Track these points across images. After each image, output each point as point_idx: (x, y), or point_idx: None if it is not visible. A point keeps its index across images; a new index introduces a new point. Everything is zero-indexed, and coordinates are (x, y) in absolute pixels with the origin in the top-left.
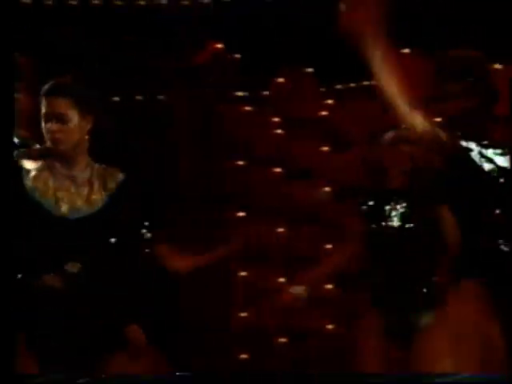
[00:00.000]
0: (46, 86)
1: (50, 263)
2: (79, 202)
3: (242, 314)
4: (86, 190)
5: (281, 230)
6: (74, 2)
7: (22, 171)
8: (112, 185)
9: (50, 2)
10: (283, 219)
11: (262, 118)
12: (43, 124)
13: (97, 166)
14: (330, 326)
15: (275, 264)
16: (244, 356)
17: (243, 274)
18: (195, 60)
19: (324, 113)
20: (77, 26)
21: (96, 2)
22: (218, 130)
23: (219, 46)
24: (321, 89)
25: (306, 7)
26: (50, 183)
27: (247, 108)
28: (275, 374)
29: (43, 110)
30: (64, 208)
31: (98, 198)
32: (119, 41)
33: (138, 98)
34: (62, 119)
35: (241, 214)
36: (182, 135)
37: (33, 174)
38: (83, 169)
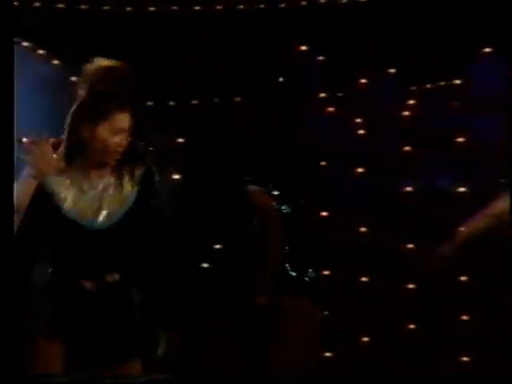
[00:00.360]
0: (109, 101)
1: (90, 272)
2: (114, 209)
3: None
4: (114, 200)
5: (364, 229)
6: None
7: (52, 183)
8: (134, 192)
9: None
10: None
11: (345, 119)
12: (106, 137)
13: (124, 167)
14: None
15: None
16: None
17: None
18: (280, 61)
19: (406, 113)
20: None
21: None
22: (301, 131)
23: (304, 47)
24: (403, 89)
25: (387, 8)
26: (81, 193)
27: (330, 109)
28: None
29: (111, 125)
30: (101, 216)
31: (125, 206)
32: (206, 43)
33: (216, 100)
34: (125, 133)
35: (324, 213)
36: (263, 136)
37: (63, 185)
38: (111, 174)
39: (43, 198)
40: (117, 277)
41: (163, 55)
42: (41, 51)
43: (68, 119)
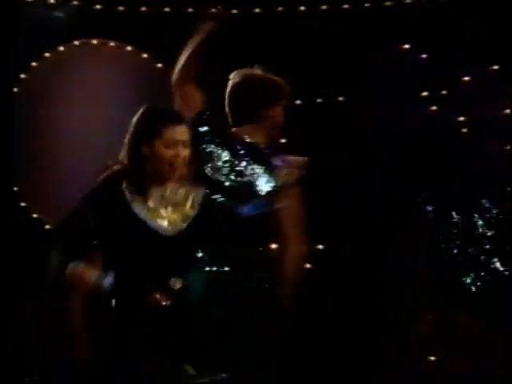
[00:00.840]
0: (169, 115)
1: (155, 280)
2: (179, 219)
3: None
4: (181, 207)
5: None
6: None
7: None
8: (199, 198)
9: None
10: None
11: (447, 118)
12: (161, 151)
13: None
14: None
15: None
16: None
17: None
18: (379, 61)
19: (508, 111)
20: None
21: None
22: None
23: (405, 46)
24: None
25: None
26: (151, 203)
27: (433, 108)
28: None
29: (168, 137)
30: (166, 225)
31: (192, 213)
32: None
33: (319, 100)
34: (182, 145)
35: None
36: (366, 136)
37: (136, 197)
38: (176, 185)
39: (112, 196)
40: (180, 284)
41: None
42: (145, 55)
43: (127, 137)
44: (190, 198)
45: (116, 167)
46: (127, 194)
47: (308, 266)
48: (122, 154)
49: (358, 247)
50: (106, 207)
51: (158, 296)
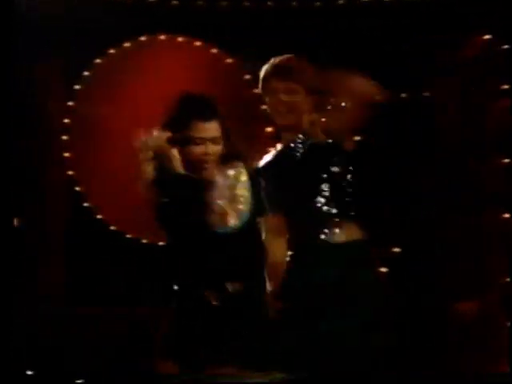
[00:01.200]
0: (199, 109)
1: (212, 279)
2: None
3: None
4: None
5: None
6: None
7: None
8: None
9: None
10: None
11: None
12: (191, 145)
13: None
14: None
15: None
16: None
17: None
18: (463, 54)
19: None
20: None
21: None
22: (489, 126)
23: (487, 37)
24: None
25: None
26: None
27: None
28: None
29: (196, 134)
30: (229, 220)
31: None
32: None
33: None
34: (210, 142)
35: (506, 215)
36: (447, 132)
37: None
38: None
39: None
40: (239, 287)
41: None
42: (214, 50)
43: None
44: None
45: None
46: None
47: (384, 269)
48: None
49: (434, 249)
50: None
51: (209, 294)
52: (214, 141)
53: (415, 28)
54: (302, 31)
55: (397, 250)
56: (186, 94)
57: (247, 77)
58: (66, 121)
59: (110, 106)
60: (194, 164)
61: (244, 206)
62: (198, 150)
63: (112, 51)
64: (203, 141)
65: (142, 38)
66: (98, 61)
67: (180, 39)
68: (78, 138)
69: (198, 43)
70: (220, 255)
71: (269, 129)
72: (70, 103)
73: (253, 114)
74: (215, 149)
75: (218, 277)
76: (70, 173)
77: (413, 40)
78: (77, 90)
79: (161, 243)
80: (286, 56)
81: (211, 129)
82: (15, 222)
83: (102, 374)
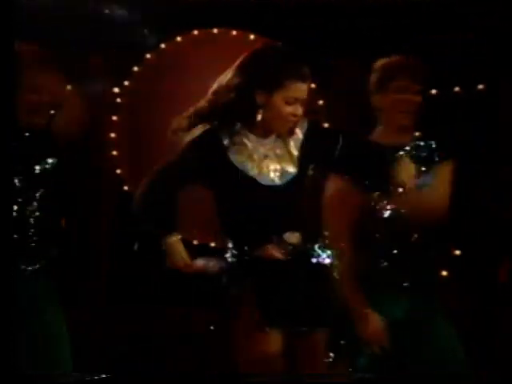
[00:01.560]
0: (299, 68)
1: (271, 233)
2: (284, 165)
3: None
4: (283, 152)
5: None
6: None
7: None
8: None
9: None
10: None
11: None
12: (281, 104)
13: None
14: None
15: None
16: None
17: None
18: None
19: None
20: None
21: None
22: None
23: None
24: None
25: None
26: (255, 155)
27: None
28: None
29: (291, 93)
30: (273, 175)
31: (296, 156)
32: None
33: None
34: (301, 103)
35: None
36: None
37: (235, 149)
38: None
39: (210, 145)
40: (297, 236)
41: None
42: (252, 36)
43: (231, 78)
44: (292, 149)
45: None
46: (226, 145)
47: (445, 272)
48: (221, 97)
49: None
50: (205, 160)
51: (271, 248)
52: (303, 102)
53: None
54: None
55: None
56: (274, 46)
57: None
58: (114, 118)
59: (159, 102)
60: (277, 125)
61: (289, 165)
62: (288, 109)
63: (163, 46)
64: (296, 101)
65: (195, 32)
66: (148, 56)
67: (234, 33)
68: (126, 136)
69: (252, 37)
70: (268, 207)
71: None
72: (118, 100)
73: None
74: (301, 111)
75: (275, 230)
76: (118, 171)
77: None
78: (125, 85)
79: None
80: (407, 55)
81: (305, 90)
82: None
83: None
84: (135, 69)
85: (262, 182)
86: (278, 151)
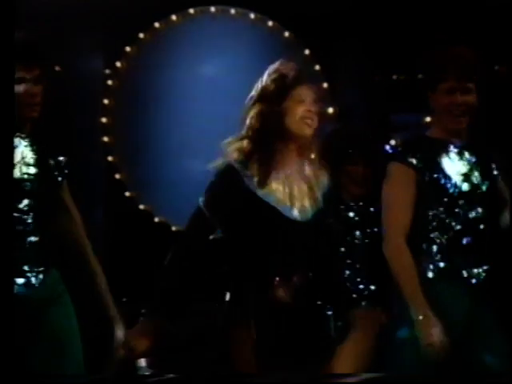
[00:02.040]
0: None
1: (281, 273)
2: (307, 202)
3: None
4: (306, 187)
5: None
6: None
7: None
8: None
9: None
10: None
11: None
12: (293, 106)
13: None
14: None
15: None
16: None
17: None
18: None
19: None
20: None
21: None
22: None
23: None
24: None
25: None
26: (286, 185)
27: None
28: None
29: (298, 96)
30: (297, 211)
31: (318, 196)
32: None
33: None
34: (315, 102)
35: None
36: None
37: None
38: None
39: (233, 183)
40: (305, 278)
41: None
42: (270, 23)
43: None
44: (313, 178)
45: (231, 158)
46: (249, 180)
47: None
48: (244, 131)
49: None
50: (229, 204)
51: (281, 291)
52: (314, 101)
53: None
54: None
55: None
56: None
57: (307, 52)
58: (106, 102)
59: (154, 85)
60: (296, 123)
61: (310, 204)
62: (301, 108)
63: (157, 25)
64: (305, 100)
65: (191, 11)
66: (141, 36)
67: (232, 11)
68: (118, 121)
69: (252, 16)
70: (288, 246)
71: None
72: (110, 82)
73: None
74: (317, 108)
75: (286, 271)
76: (110, 159)
77: None
78: (117, 67)
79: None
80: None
81: (310, 90)
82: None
83: None
84: (127, 49)
85: (285, 215)
86: (304, 181)
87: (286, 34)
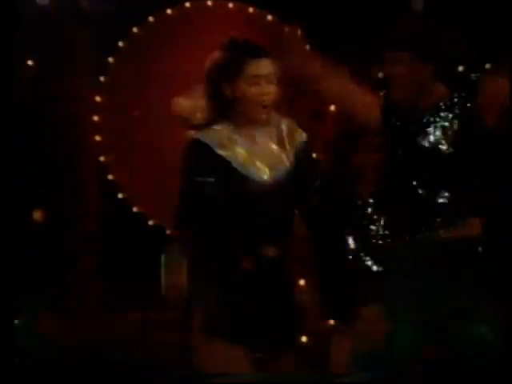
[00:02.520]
0: (250, 48)
1: (249, 244)
2: (274, 162)
3: None
4: (274, 148)
5: None
6: None
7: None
8: (297, 141)
9: None
10: None
11: None
12: (243, 89)
13: (281, 120)
14: None
15: None
16: None
17: None
18: None
19: None
20: None
21: None
22: None
23: None
24: None
25: None
26: (241, 149)
27: None
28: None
29: (252, 73)
30: (263, 172)
31: (289, 154)
32: None
33: None
34: (266, 81)
35: None
36: None
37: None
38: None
39: (207, 157)
40: (275, 250)
41: None
42: (270, 17)
43: (206, 76)
44: (285, 137)
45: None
46: (215, 149)
47: None
48: (197, 100)
49: None
50: (209, 170)
51: (247, 260)
52: (268, 79)
53: None
54: None
55: None
56: (231, 39)
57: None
58: (97, 99)
59: (147, 82)
60: (251, 109)
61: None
62: (253, 90)
63: (151, 19)
64: (258, 79)
65: (187, 4)
66: (134, 30)
67: (230, 5)
68: (110, 119)
69: (251, 10)
70: (259, 212)
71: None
72: (102, 78)
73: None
74: (271, 89)
75: (258, 240)
76: (101, 159)
77: None
78: (110, 62)
79: None
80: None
81: (265, 65)
82: (37, 215)
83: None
84: (120, 44)
85: (252, 179)
86: (270, 147)
87: (286, 28)
